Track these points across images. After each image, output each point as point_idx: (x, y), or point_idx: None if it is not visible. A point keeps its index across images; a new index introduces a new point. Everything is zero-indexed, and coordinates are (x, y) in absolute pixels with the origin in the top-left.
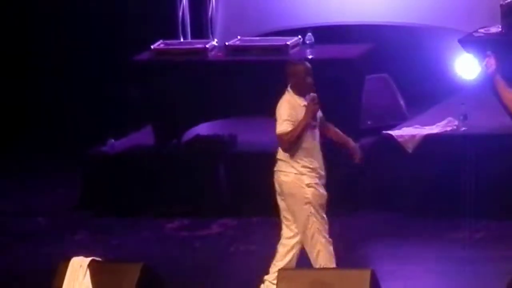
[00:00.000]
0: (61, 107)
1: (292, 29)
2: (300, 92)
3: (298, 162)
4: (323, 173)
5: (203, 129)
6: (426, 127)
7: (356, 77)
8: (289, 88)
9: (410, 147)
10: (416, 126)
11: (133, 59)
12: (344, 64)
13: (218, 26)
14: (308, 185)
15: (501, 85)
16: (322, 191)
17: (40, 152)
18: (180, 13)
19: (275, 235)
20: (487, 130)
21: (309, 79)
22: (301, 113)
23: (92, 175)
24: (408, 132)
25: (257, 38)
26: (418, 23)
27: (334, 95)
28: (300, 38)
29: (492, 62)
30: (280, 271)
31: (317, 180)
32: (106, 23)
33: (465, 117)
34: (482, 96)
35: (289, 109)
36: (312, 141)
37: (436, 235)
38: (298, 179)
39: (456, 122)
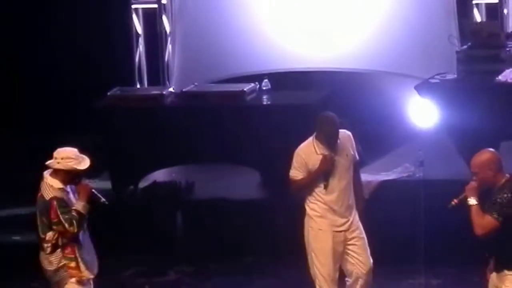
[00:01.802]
0: (16, 156)
1: (248, 75)
2: (322, 141)
3: (308, 205)
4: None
5: (160, 175)
6: (383, 173)
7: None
8: (314, 135)
9: (366, 193)
10: (372, 172)
11: (90, 106)
12: (301, 110)
13: (175, 73)
14: (312, 228)
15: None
16: (325, 236)
17: None
18: (137, 60)
19: (232, 282)
20: (443, 176)
21: (333, 134)
22: (315, 161)
23: None
24: (364, 178)
25: (214, 84)
26: (374, 70)
27: (291, 141)
28: (256, 85)
29: (473, 189)
30: None
31: (323, 225)
32: (63, 69)
33: (421, 163)
34: (438, 143)
35: (300, 156)
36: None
37: (394, 280)
38: (307, 220)
39: (413, 168)
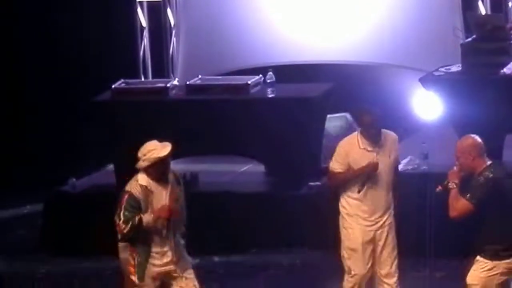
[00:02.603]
0: (23, 146)
1: (253, 68)
2: (366, 137)
3: (341, 203)
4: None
5: None
6: None
7: (317, 116)
8: (359, 130)
9: None
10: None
11: (95, 99)
12: (305, 103)
13: (179, 66)
14: (344, 228)
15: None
16: (355, 234)
17: None
18: (141, 53)
19: (235, 274)
20: (447, 169)
21: (371, 124)
22: (356, 155)
23: (53, 215)
24: None
25: (218, 77)
26: (379, 62)
27: (295, 134)
28: (261, 77)
29: (454, 174)
30: None
31: (353, 223)
32: (67, 63)
33: (426, 156)
34: (442, 135)
35: (343, 148)
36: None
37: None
38: (340, 219)
39: (417, 161)
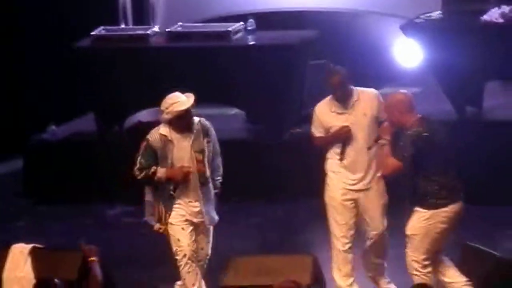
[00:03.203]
0: (2, 93)
1: (233, 15)
2: (335, 99)
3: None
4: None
5: (144, 115)
6: None
7: (298, 63)
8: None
9: None
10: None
11: (75, 46)
12: (286, 50)
13: (160, 12)
14: (326, 184)
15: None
16: (335, 192)
17: None
18: (121, 0)
19: (217, 222)
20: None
21: (335, 92)
22: (328, 119)
23: (33, 162)
24: None
25: (199, 24)
26: (360, 9)
27: (276, 81)
28: (242, 24)
29: (385, 130)
30: (229, 259)
31: (334, 180)
32: (47, 8)
33: None
34: (423, 82)
35: (316, 113)
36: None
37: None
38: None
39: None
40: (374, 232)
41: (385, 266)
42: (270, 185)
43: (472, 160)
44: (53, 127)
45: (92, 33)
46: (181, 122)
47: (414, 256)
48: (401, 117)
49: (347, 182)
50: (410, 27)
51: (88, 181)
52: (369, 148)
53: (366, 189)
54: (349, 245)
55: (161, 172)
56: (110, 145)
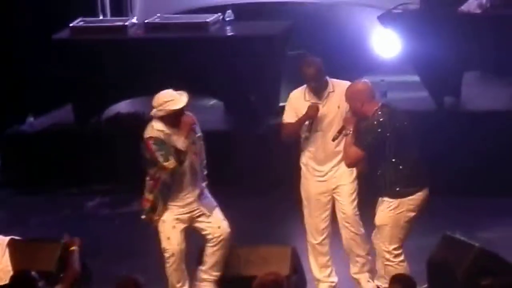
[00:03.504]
0: None
1: (212, 6)
2: (310, 89)
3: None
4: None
5: (123, 107)
6: None
7: (276, 54)
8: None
9: None
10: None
11: (53, 37)
12: (264, 41)
13: (138, 4)
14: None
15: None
16: (308, 184)
17: None
18: None
19: None
20: (406, 106)
21: (310, 83)
22: (302, 108)
23: (10, 154)
24: None
25: (177, 15)
26: (338, 0)
27: (254, 72)
28: (220, 15)
29: (348, 120)
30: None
31: (306, 174)
32: (24, 0)
33: (385, 94)
34: (401, 73)
35: (290, 100)
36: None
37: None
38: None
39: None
40: (345, 214)
41: (367, 262)
42: (248, 176)
43: (451, 150)
44: (31, 118)
45: (71, 24)
46: (174, 120)
47: (385, 247)
48: (362, 106)
49: (318, 174)
50: (388, 17)
51: (67, 172)
52: (333, 140)
53: (337, 176)
54: (322, 237)
55: (178, 142)
56: (89, 136)
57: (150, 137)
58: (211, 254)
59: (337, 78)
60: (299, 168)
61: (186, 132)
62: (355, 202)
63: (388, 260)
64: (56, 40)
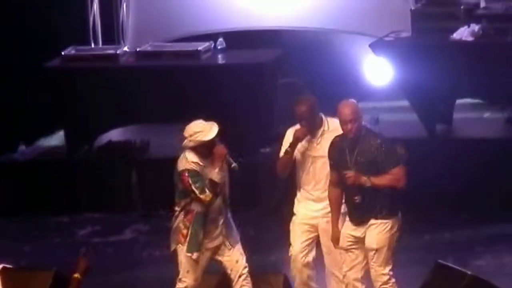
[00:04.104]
0: None
1: (203, 34)
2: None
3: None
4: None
5: (115, 135)
6: None
7: (268, 82)
8: None
9: None
10: None
11: (44, 65)
12: (256, 69)
13: (129, 32)
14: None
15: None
16: (297, 219)
17: None
18: (91, 19)
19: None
20: (397, 133)
21: (306, 121)
22: (299, 145)
23: (2, 182)
24: None
25: (169, 43)
26: (329, 28)
27: (246, 100)
28: (211, 43)
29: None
30: None
31: (297, 208)
32: (16, 28)
33: (376, 121)
34: (392, 100)
35: (287, 136)
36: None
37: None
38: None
39: (368, 126)
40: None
41: None
42: (240, 203)
43: (442, 177)
44: (23, 146)
45: (62, 52)
46: (205, 150)
47: (384, 270)
48: (361, 124)
49: (311, 211)
50: (379, 45)
51: (58, 200)
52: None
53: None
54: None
55: (212, 174)
56: (80, 164)
57: (185, 169)
58: None
59: (329, 105)
60: (293, 195)
61: (219, 164)
62: None
63: (385, 283)
64: (47, 68)
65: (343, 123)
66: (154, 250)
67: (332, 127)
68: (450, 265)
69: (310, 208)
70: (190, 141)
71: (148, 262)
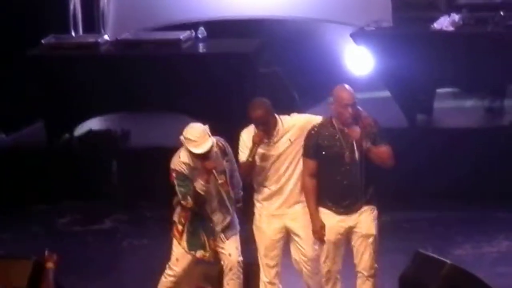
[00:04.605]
0: None
1: (184, 23)
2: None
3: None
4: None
5: (95, 124)
6: None
7: (249, 71)
8: None
9: None
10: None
11: (25, 54)
12: (237, 58)
13: (110, 21)
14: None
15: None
16: (261, 224)
17: None
18: (72, 8)
19: (167, 229)
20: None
21: (258, 120)
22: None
23: None
24: None
25: (149, 32)
26: (310, 18)
27: (227, 90)
28: (192, 32)
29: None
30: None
31: (261, 210)
32: None
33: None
34: (373, 90)
35: (242, 138)
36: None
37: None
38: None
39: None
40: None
41: None
42: None
43: (422, 167)
44: (3, 135)
45: (42, 41)
46: (195, 158)
47: (375, 256)
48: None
49: (273, 208)
50: (360, 35)
51: (38, 189)
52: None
53: (293, 212)
54: (273, 275)
55: (197, 183)
56: (60, 153)
57: (174, 170)
58: (226, 284)
59: (310, 95)
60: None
61: (205, 177)
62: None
63: (376, 270)
64: (28, 56)
65: (343, 107)
66: (134, 239)
67: (286, 125)
68: (430, 254)
69: (273, 207)
70: (183, 141)
71: (128, 251)
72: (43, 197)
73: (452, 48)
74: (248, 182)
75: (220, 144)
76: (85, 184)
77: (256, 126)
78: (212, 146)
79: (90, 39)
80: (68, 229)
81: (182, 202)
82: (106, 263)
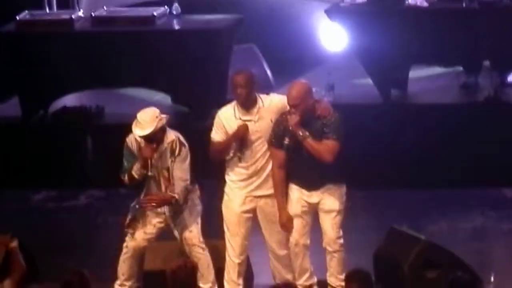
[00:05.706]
0: None
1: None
2: (239, 104)
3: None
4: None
5: (70, 100)
6: None
7: (223, 48)
8: None
9: None
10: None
11: None
12: (211, 35)
13: None
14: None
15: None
16: (232, 204)
17: None
18: None
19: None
20: (352, 100)
21: (239, 91)
22: (233, 125)
23: None
24: None
25: (124, 8)
26: None
27: (201, 66)
28: (166, 9)
29: (298, 122)
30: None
31: (234, 191)
32: None
33: (332, 87)
34: (348, 66)
35: (219, 118)
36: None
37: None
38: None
39: (323, 92)
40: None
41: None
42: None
43: (397, 143)
44: None
45: (17, 17)
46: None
47: (339, 234)
48: (313, 104)
49: (249, 189)
50: (335, 11)
51: (12, 166)
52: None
53: (268, 196)
54: (243, 256)
55: (135, 165)
56: (35, 130)
57: (126, 142)
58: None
59: (285, 72)
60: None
61: (141, 162)
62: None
63: (341, 245)
64: (1, 33)
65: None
66: (108, 216)
67: (267, 104)
68: (405, 230)
69: (249, 188)
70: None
71: (102, 228)
72: (17, 174)
73: (427, 24)
74: (218, 160)
75: (174, 144)
76: (59, 161)
77: (236, 93)
78: (152, 133)
79: (65, 15)
80: (43, 206)
81: (121, 175)
82: (80, 239)
